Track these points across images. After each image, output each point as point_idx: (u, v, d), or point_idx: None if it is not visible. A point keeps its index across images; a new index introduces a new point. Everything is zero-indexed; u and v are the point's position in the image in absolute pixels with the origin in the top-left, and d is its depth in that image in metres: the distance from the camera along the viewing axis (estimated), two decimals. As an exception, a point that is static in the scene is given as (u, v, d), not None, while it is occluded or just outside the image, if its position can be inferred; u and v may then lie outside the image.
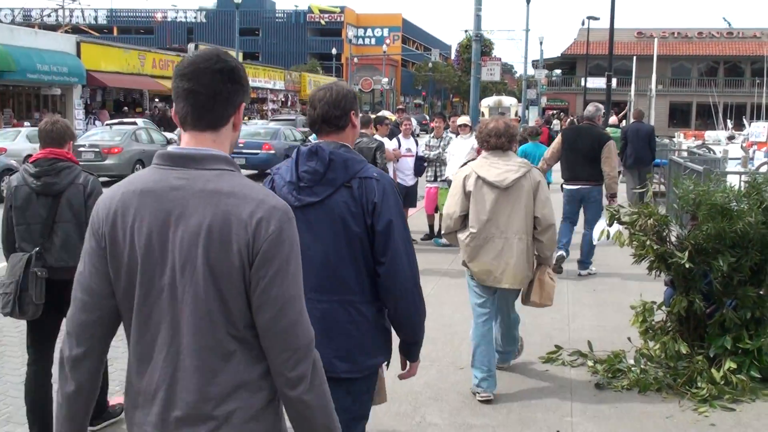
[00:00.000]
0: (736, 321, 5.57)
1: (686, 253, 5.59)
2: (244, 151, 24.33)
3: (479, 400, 5.41)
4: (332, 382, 2.59)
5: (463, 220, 5.50)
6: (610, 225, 6.25)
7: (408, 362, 3.38)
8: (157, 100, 48.50)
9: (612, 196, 9.05)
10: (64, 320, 2.22)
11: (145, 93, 46.42)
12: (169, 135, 27.19)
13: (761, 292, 5.68)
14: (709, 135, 44.40)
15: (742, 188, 6.06)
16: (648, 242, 5.84)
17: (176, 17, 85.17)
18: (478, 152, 6.87)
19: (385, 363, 3.33)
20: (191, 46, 53.74)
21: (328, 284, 3.16)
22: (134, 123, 28.46)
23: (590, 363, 6.07)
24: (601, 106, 10.09)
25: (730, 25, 77.23)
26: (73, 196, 4.52)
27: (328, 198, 3.13)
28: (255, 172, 25.11)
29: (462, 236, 5.50)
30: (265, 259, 2.01)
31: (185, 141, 2.14)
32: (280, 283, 2.03)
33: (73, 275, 2.19)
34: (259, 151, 24.39)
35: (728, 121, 53.11)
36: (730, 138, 42.78)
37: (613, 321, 7.22)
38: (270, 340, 2.05)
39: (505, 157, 5.49)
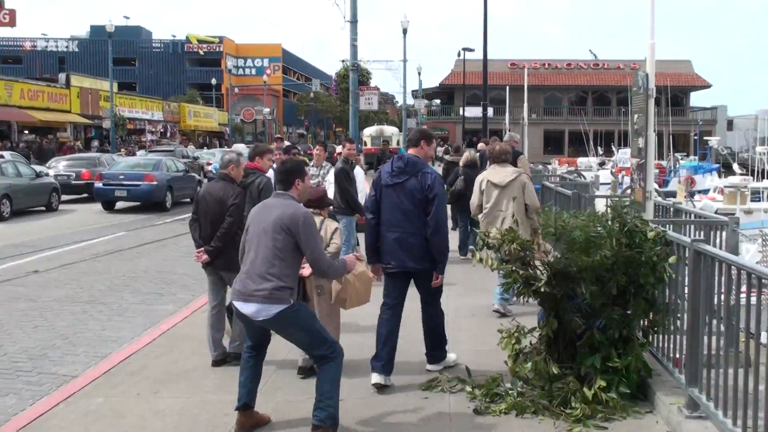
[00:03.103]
0: (603, 341, 5.73)
1: (544, 279, 5.75)
2: (125, 183, 23.30)
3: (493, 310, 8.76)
4: (416, 276, 6.44)
5: (481, 207, 8.88)
6: (480, 249, 6.39)
7: (437, 274, 6.36)
8: (26, 132, 46.41)
9: None
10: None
11: (13, 125, 44.35)
12: (39, 168, 26.00)
13: (628, 312, 5.87)
14: (581, 161, 46.41)
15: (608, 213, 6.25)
16: (514, 269, 5.98)
17: (47, 46, 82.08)
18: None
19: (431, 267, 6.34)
20: (62, 75, 51.94)
21: (404, 223, 6.28)
22: (1, 156, 27.11)
23: (469, 388, 6.10)
24: (515, 134, 14.69)
25: (596, 57, 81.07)
26: (253, 188, 7.61)
27: (405, 181, 6.32)
28: (138, 203, 24.19)
29: (480, 216, 8.94)
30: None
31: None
32: (311, 244, 5.14)
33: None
34: (140, 183, 23.26)
35: (598, 147, 55.67)
36: (601, 164, 44.87)
37: (492, 345, 7.26)
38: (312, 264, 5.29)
39: (504, 167, 8.89)
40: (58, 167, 27.63)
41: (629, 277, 5.73)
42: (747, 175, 32.53)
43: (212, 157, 40.86)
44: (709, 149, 43.88)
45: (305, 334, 5.19)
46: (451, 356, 6.81)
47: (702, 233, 7.71)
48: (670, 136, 40.45)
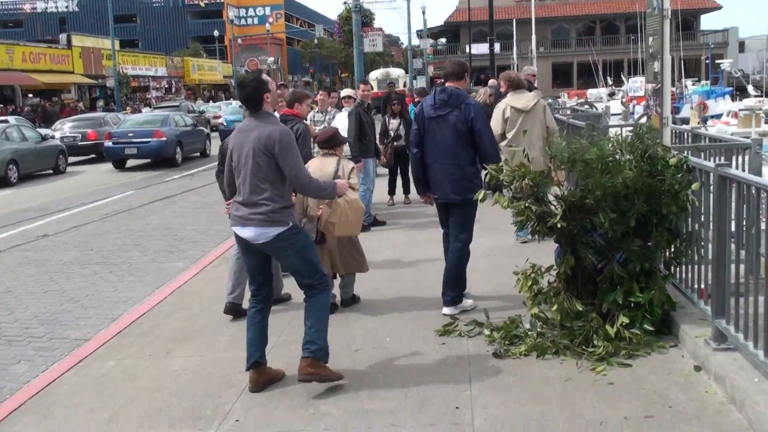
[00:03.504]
0: (622, 275, 5.51)
1: (559, 213, 5.52)
2: (135, 140, 23.09)
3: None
4: (451, 206, 6.54)
5: (504, 135, 8.83)
6: (492, 186, 6.19)
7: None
8: (30, 95, 46.12)
9: None
10: None
11: (16, 89, 44.04)
12: (44, 131, 25.79)
13: (650, 244, 5.64)
14: (591, 93, 45.72)
15: (627, 139, 5.95)
16: (527, 205, 5.73)
17: (46, 8, 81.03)
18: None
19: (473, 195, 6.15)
20: (63, 36, 51.39)
21: (449, 155, 6.40)
22: (6, 121, 26.91)
23: (487, 331, 5.91)
24: (532, 67, 14.37)
25: (603, -16, 79.19)
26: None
27: (449, 113, 6.40)
28: (148, 161, 24.02)
29: (503, 144, 8.70)
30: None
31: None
32: (288, 162, 5.00)
33: None
34: (150, 140, 23.08)
35: (608, 78, 54.78)
36: (611, 94, 44.18)
37: (509, 286, 7.05)
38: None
39: (524, 93, 9.05)
40: (64, 129, 27.44)
41: (650, 207, 5.48)
42: (762, 96, 31.86)
43: (218, 110, 40.57)
44: (721, 73, 43.07)
45: (300, 260, 5.16)
46: (467, 301, 6.66)
47: (723, 158, 7.44)
48: (681, 61, 39.63)
